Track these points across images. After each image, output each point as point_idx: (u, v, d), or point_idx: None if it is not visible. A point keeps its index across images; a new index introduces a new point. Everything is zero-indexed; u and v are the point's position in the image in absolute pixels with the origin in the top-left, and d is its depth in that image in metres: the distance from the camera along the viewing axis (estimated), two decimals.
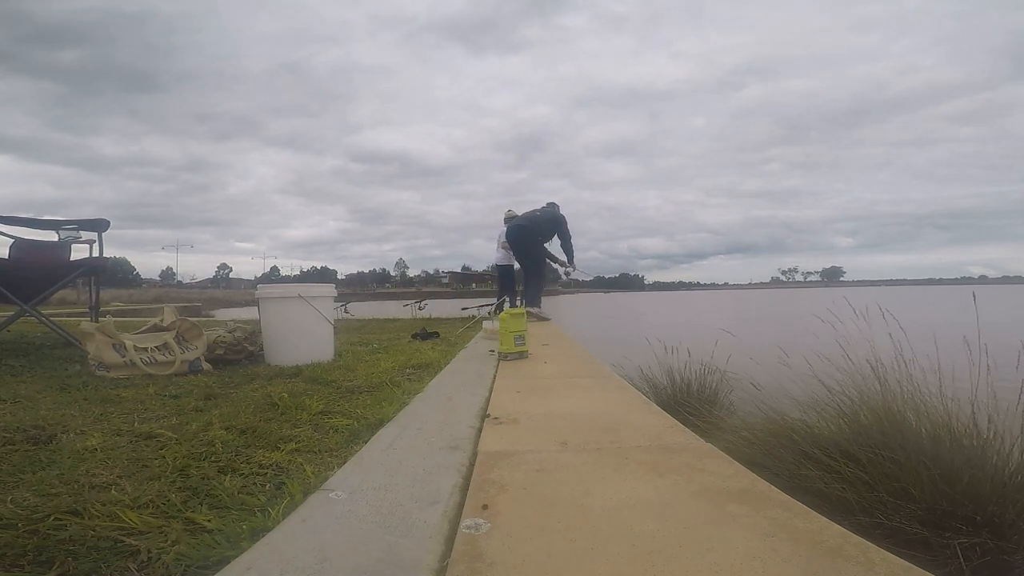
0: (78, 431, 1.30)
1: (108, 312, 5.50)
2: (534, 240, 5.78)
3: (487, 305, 6.17)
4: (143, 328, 2.39)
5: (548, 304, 5.94)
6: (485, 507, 0.86)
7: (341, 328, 3.81)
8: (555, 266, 6.13)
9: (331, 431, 1.36)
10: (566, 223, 5.90)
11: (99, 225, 3.11)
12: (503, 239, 6.56)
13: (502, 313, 2.72)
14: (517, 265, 6.36)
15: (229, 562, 0.70)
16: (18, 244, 3.03)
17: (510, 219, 6.70)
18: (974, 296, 2.00)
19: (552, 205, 6.04)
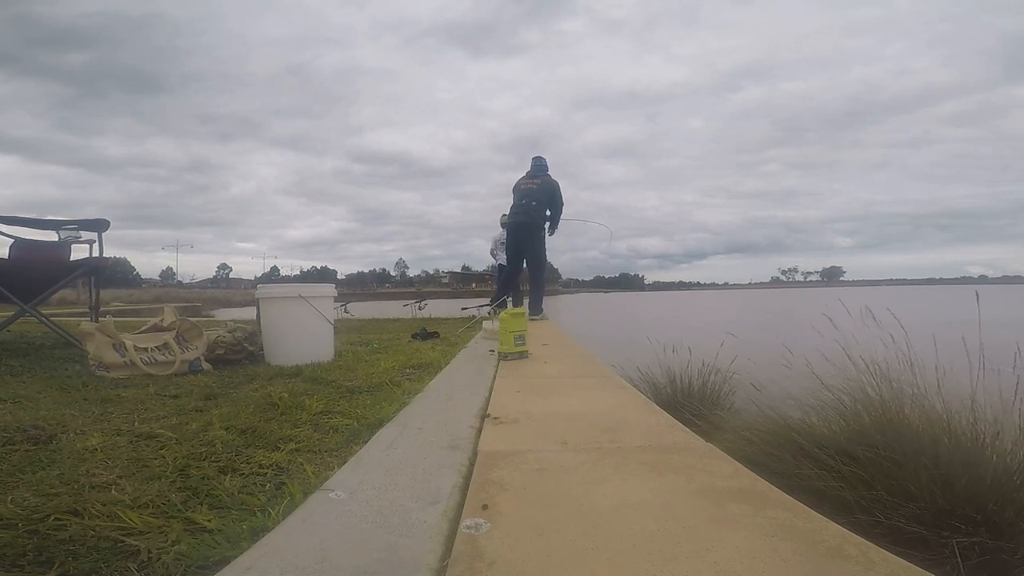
0: (78, 431, 1.30)
1: (108, 312, 5.50)
2: (540, 235, 5.43)
3: (487, 305, 6.15)
4: (143, 328, 2.39)
5: (548, 304, 5.89)
6: (485, 507, 0.86)
7: (341, 328, 3.81)
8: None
9: (331, 431, 1.36)
10: (560, 191, 5.46)
11: (99, 225, 3.11)
12: (503, 240, 6.48)
13: (502, 313, 2.72)
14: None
15: (229, 562, 0.70)
16: (18, 244, 3.03)
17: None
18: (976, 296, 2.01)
19: (540, 160, 5.62)
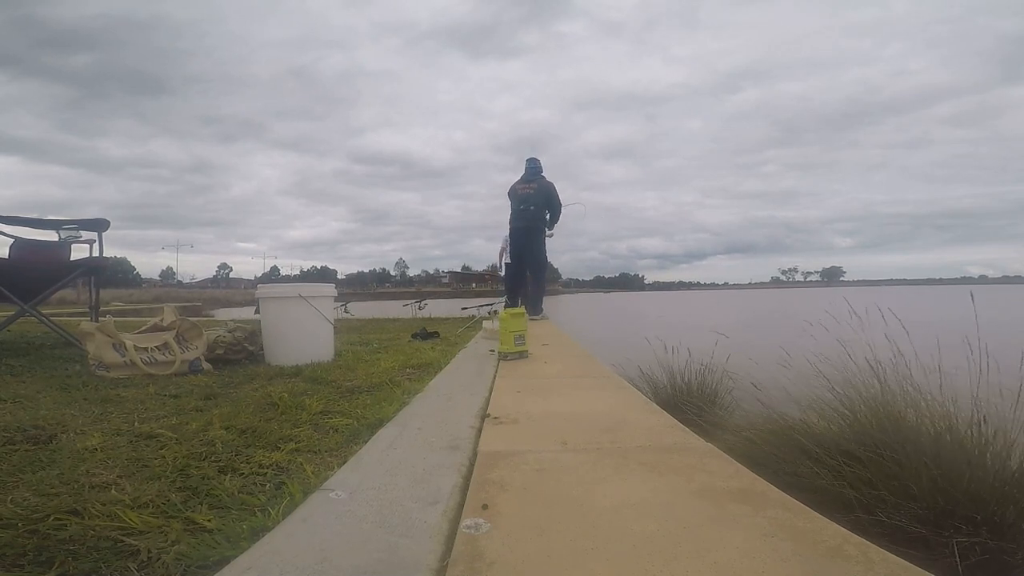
0: (78, 431, 1.30)
1: (108, 312, 5.50)
2: (540, 238, 5.56)
3: (487, 305, 6.14)
4: (143, 328, 2.39)
5: (548, 304, 5.90)
6: (485, 507, 0.86)
7: (341, 328, 3.81)
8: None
9: (331, 431, 1.36)
10: (556, 192, 5.56)
11: (99, 225, 3.11)
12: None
13: (502, 313, 2.72)
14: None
15: (229, 562, 0.70)
16: (18, 244, 3.03)
17: None
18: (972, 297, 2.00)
19: (533, 163, 5.67)
